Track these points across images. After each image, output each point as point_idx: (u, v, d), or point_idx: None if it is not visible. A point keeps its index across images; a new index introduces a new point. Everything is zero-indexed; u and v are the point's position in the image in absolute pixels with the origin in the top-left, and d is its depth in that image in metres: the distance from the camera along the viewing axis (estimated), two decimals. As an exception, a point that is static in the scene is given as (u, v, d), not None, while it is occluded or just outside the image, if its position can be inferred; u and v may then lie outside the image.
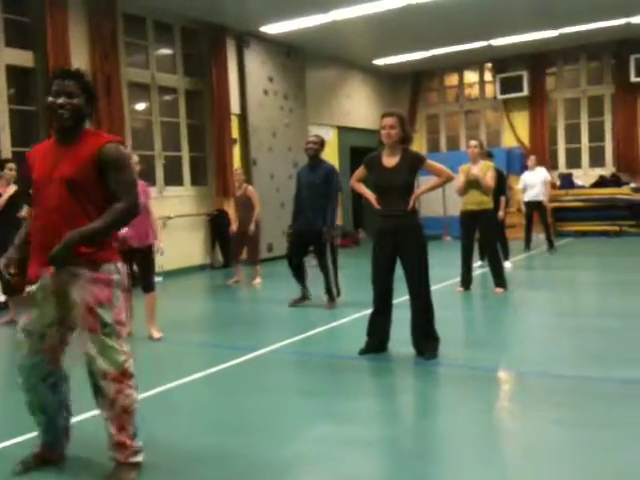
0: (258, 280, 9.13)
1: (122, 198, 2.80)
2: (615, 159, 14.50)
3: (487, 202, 7.40)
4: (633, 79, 13.74)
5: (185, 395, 4.21)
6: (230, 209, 10.10)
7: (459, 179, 7.32)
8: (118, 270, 2.89)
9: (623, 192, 13.50)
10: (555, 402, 3.71)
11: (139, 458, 2.88)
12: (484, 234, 7.60)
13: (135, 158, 5.66)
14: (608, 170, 14.55)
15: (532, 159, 11.45)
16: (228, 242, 10.25)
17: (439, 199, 14.28)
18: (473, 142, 7.54)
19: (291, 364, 4.91)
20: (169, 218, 10.37)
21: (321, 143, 6.95)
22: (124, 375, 2.80)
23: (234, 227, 9.07)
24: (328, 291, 6.91)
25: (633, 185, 13.67)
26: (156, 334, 5.73)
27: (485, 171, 7.34)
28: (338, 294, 6.98)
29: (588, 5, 11.12)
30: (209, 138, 11.36)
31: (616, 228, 13.30)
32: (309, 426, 3.51)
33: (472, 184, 7.34)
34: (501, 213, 8.76)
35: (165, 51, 10.93)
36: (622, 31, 12.96)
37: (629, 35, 13.37)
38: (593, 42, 13.95)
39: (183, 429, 3.53)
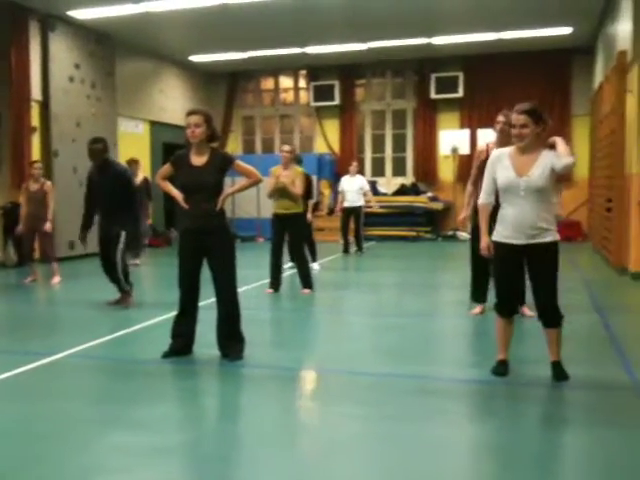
0: (57, 279, 8.52)
1: None
2: (415, 169, 15.59)
3: (296, 206, 7.56)
4: (433, 96, 14.87)
5: (-37, 407, 3.79)
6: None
7: (269, 181, 7.42)
8: None
9: (420, 200, 14.56)
10: (354, 398, 3.86)
11: None
12: (292, 236, 7.77)
13: None
14: (409, 179, 15.60)
15: (354, 165, 11.93)
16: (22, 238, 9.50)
17: (253, 201, 14.37)
18: (286, 147, 7.69)
19: (88, 369, 4.63)
20: (-46, 210, 9.35)
21: (103, 144, 6.67)
22: None
23: (21, 226, 8.44)
24: (120, 288, 6.72)
25: (429, 194, 14.81)
26: None
27: (295, 177, 7.51)
28: (127, 289, 6.75)
29: (393, 22, 11.82)
30: (5, 125, 10.43)
31: (413, 233, 14.29)
32: (104, 435, 3.32)
33: (281, 191, 7.46)
34: (309, 216, 9.00)
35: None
36: (424, 50, 13.96)
37: (430, 54, 14.44)
38: (398, 59, 14.90)
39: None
